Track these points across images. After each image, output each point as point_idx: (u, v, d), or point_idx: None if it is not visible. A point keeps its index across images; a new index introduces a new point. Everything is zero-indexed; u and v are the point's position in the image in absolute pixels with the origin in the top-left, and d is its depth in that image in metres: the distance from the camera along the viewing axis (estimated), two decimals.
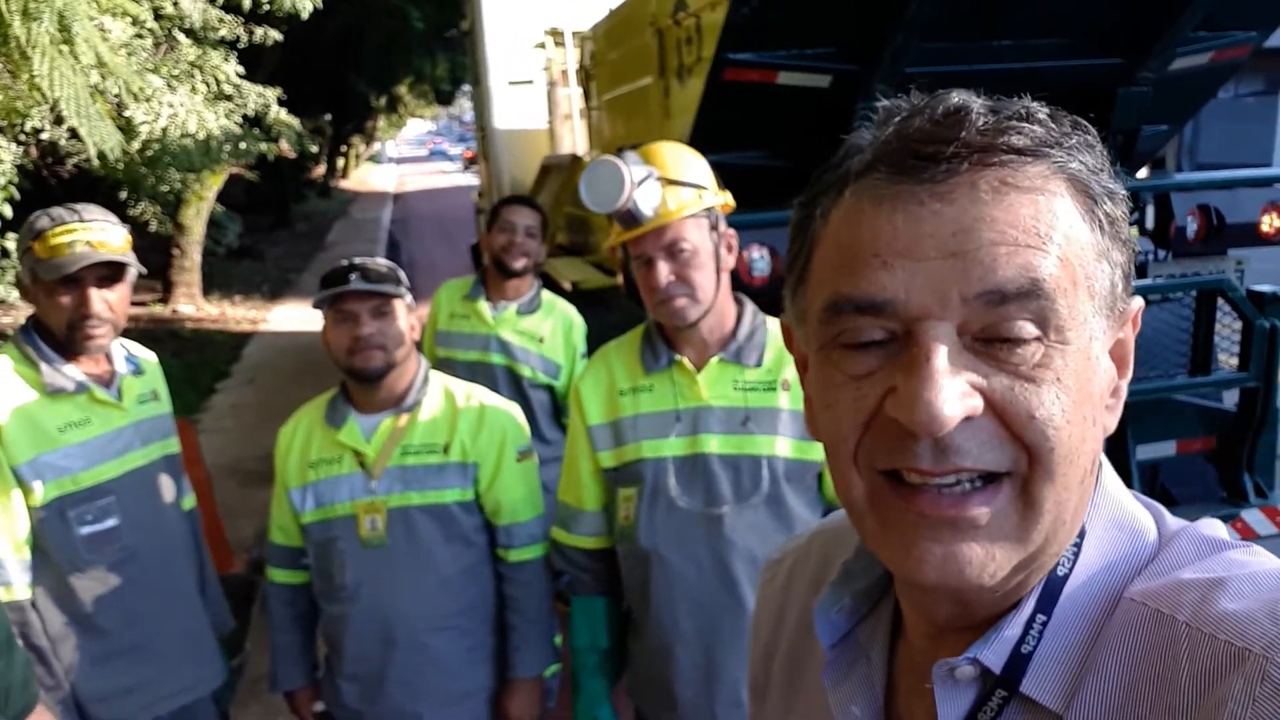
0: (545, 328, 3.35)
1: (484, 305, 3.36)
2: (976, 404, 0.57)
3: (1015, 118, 0.61)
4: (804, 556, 0.88)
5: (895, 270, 0.58)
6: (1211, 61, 3.48)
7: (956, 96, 0.62)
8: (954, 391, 0.56)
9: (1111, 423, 0.64)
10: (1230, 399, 3.70)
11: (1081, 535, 0.64)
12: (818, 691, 0.76)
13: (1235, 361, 3.50)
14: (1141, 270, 3.78)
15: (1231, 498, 3.57)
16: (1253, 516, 3.48)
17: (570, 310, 3.44)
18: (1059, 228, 0.58)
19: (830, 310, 0.62)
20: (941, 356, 0.57)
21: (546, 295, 3.47)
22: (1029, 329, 0.57)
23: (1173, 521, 0.67)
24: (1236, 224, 3.58)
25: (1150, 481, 3.70)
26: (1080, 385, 0.59)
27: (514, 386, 3.28)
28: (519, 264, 3.30)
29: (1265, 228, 3.59)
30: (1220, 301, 3.51)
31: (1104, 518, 0.65)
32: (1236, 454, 3.54)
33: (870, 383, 0.60)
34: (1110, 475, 0.67)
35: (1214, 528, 0.65)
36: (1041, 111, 0.62)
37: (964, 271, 0.57)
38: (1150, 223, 3.88)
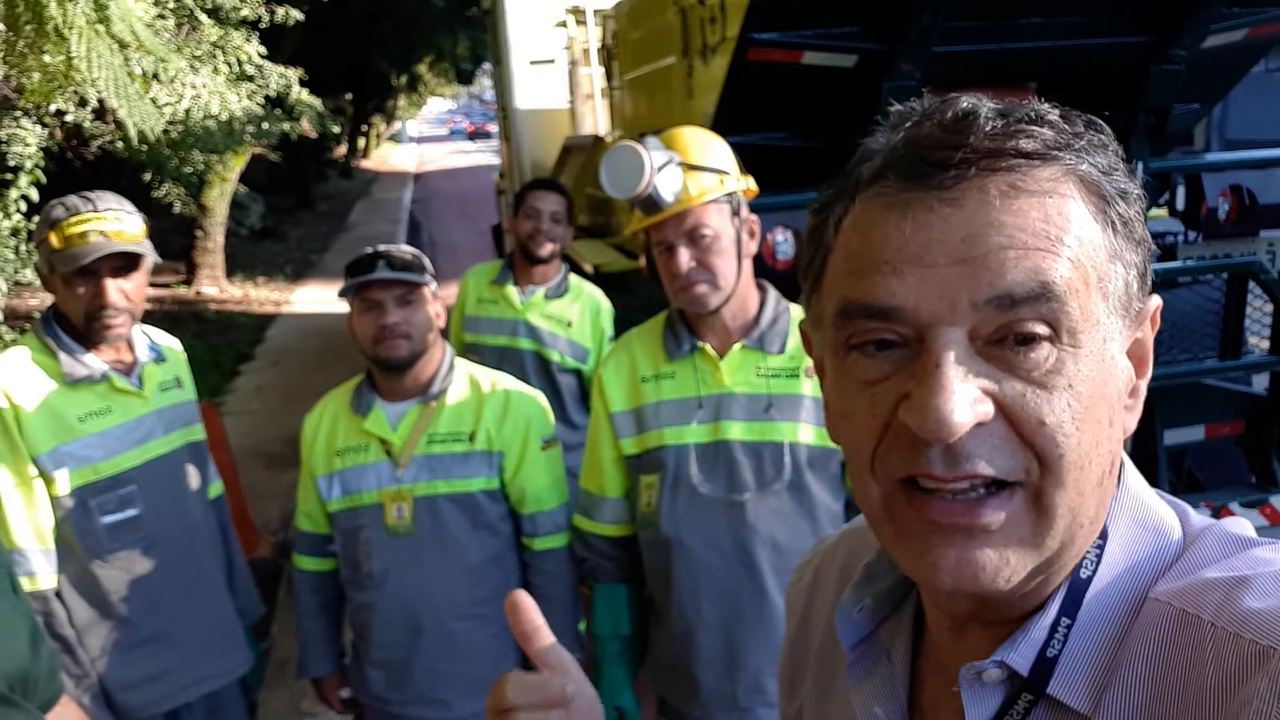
0: (573, 312, 3.35)
1: (512, 290, 3.36)
2: (988, 410, 0.57)
3: (1024, 121, 0.60)
4: (831, 557, 0.88)
5: (905, 277, 0.59)
6: (1246, 38, 3.40)
7: (966, 101, 0.61)
8: (965, 398, 0.56)
9: (1131, 422, 0.64)
10: (1260, 383, 3.65)
11: (1105, 536, 0.63)
12: (844, 692, 0.76)
13: (1266, 345, 3.45)
14: (1171, 252, 3.72)
15: (1260, 483, 3.52)
16: None
17: (598, 294, 3.44)
18: (1070, 230, 0.58)
19: (842, 316, 0.62)
20: (952, 363, 0.57)
21: (574, 279, 3.46)
22: (1041, 330, 0.57)
23: (1197, 519, 0.66)
24: (1269, 204, 3.52)
25: (1178, 467, 3.66)
26: (1094, 389, 0.58)
27: (542, 371, 3.29)
28: (545, 250, 3.30)
29: None
30: (1251, 284, 3.46)
31: (1127, 517, 0.65)
32: (1266, 438, 3.49)
33: (884, 390, 0.60)
34: (1133, 474, 0.67)
35: (1240, 525, 0.65)
36: (1053, 113, 0.62)
37: (973, 277, 0.57)
38: (1181, 204, 3.82)
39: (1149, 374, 0.65)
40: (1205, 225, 3.57)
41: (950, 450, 0.57)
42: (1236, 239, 3.64)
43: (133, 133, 4.16)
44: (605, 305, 3.43)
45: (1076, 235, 0.58)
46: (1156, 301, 0.64)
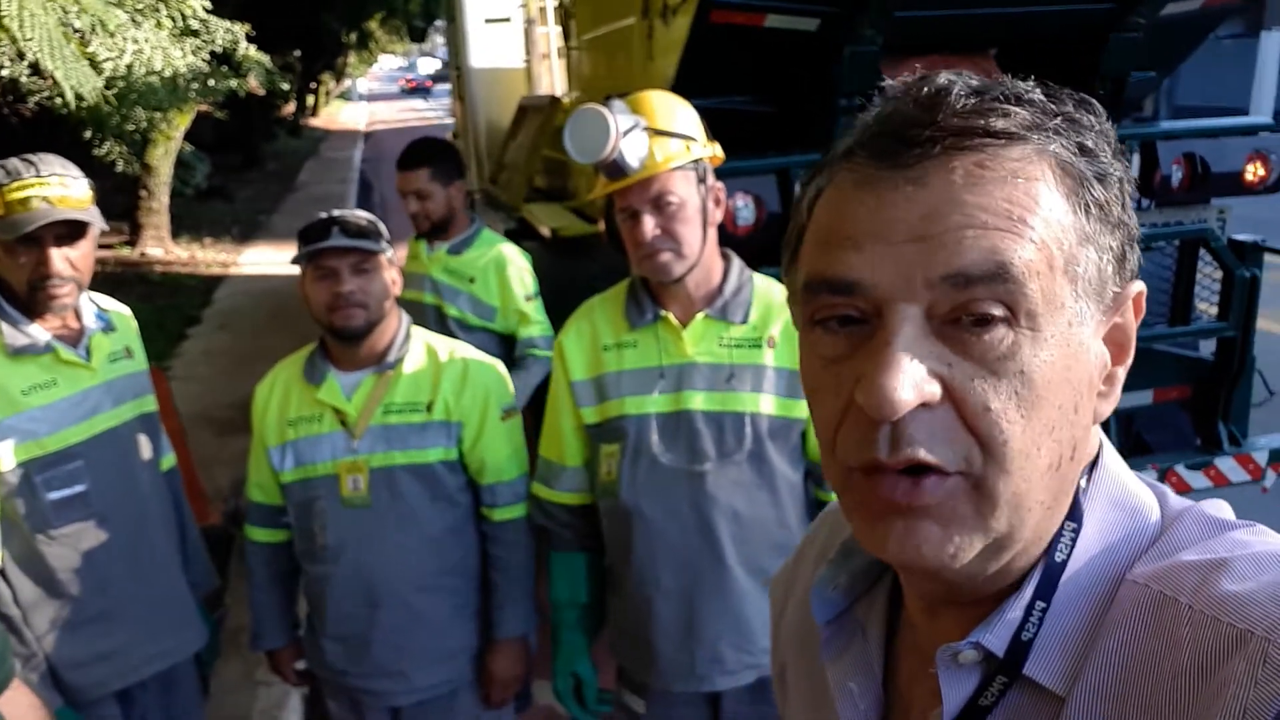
0: (476, 268, 3.32)
1: (422, 245, 3.38)
2: (934, 391, 0.57)
3: (999, 99, 0.60)
4: (812, 539, 0.89)
5: (865, 252, 0.59)
6: (1203, 7, 3.42)
7: (945, 77, 0.61)
8: (910, 377, 0.56)
9: (1105, 409, 0.64)
10: (1206, 348, 3.73)
11: (1080, 519, 0.63)
12: (819, 668, 0.76)
13: (1214, 311, 3.51)
14: None
15: (1206, 446, 3.61)
16: (1226, 464, 3.52)
17: (510, 251, 3.37)
18: (1036, 211, 0.57)
19: (807, 290, 0.63)
20: (902, 340, 0.57)
21: (486, 234, 3.42)
22: (996, 311, 0.57)
23: (1176, 501, 0.66)
24: (1221, 173, 3.56)
25: (1126, 430, 3.73)
26: (1051, 375, 0.58)
27: (441, 328, 3.26)
28: (424, 227, 3.31)
29: (1249, 176, 3.57)
30: (1201, 251, 3.51)
31: (1104, 499, 0.65)
32: (1212, 402, 3.57)
33: (846, 368, 0.60)
34: (1112, 455, 0.67)
35: (1219, 508, 0.65)
36: (1034, 92, 0.61)
37: (929, 254, 0.57)
38: (1135, 171, 3.86)
39: (1129, 360, 0.65)
40: (1159, 193, 3.60)
41: (895, 431, 0.58)
42: (1188, 206, 3.69)
43: (69, 95, 4.00)
44: (518, 262, 3.36)
45: (1043, 217, 0.58)
46: (1139, 286, 0.64)
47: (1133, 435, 3.83)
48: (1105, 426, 3.37)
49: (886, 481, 0.59)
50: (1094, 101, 0.63)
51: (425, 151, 3.34)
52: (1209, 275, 3.63)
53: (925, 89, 0.61)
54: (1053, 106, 0.61)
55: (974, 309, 0.57)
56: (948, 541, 0.59)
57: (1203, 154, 3.57)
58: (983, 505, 0.58)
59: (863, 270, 0.59)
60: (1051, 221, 0.58)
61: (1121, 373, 0.64)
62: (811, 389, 0.64)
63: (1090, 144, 0.60)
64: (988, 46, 3.40)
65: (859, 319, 0.60)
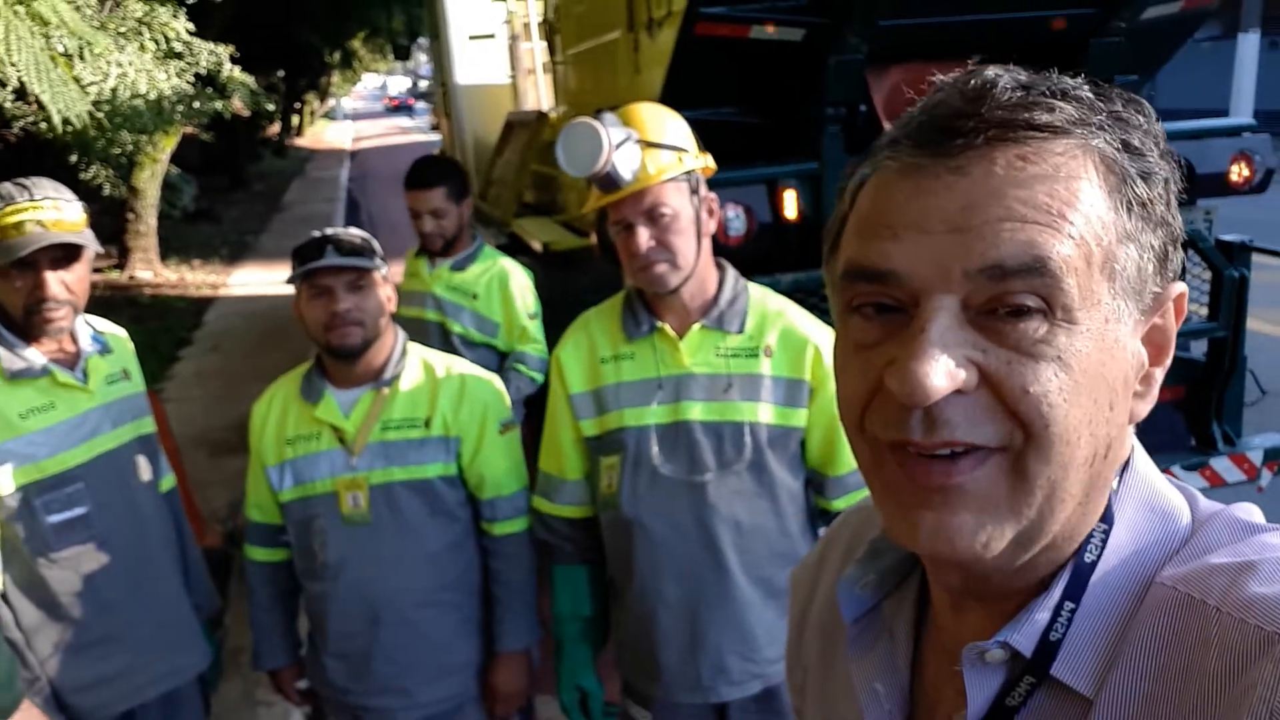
0: (480, 284, 3.33)
1: (424, 262, 3.38)
2: (970, 378, 0.57)
3: (1045, 94, 0.60)
4: (838, 534, 0.88)
5: (903, 241, 0.59)
6: (1183, 10, 3.46)
7: (993, 70, 0.61)
8: (943, 364, 0.57)
9: (1142, 409, 0.63)
10: (1198, 348, 3.75)
11: (1111, 520, 0.63)
12: (844, 666, 0.76)
13: (1204, 311, 3.53)
14: None
15: (1200, 446, 3.62)
16: (1221, 464, 3.54)
17: (511, 267, 3.39)
18: (1076, 206, 0.57)
19: (845, 278, 0.63)
20: (937, 329, 0.57)
21: (488, 251, 3.43)
22: (1032, 302, 0.56)
23: (1206, 505, 0.66)
24: (1206, 174, 3.60)
25: None
26: (1088, 367, 0.58)
27: (445, 345, 3.26)
28: (438, 246, 3.31)
29: (1234, 177, 3.61)
30: (1189, 252, 3.53)
31: (1135, 501, 0.65)
32: (1205, 402, 3.58)
33: (876, 353, 0.61)
34: (1143, 458, 0.67)
35: (1248, 511, 0.65)
36: (1083, 88, 0.61)
37: (967, 246, 0.57)
38: None
39: (1168, 362, 0.64)
40: None
41: (929, 415, 0.58)
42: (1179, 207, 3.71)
43: (56, 119, 4.00)
44: (519, 278, 3.37)
45: (1082, 212, 0.57)
46: (1180, 288, 0.63)
47: None
48: None
49: (920, 466, 0.59)
50: (1143, 101, 0.62)
51: (438, 170, 3.36)
52: (1198, 276, 3.65)
53: (973, 81, 0.61)
54: (1101, 104, 0.60)
55: (1009, 300, 0.57)
56: (980, 530, 0.59)
57: (1187, 156, 3.60)
58: (1018, 488, 0.58)
59: (900, 260, 0.59)
60: (1091, 218, 0.57)
61: (1159, 374, 0.64)
62: (840, 369, 0.64)
63: (1136, 142, 0.60)
64: (970, 54, 3.43)
65: (895, 307, 0.60)
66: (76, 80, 5.74)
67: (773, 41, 3.14)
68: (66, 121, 4.44)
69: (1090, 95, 0.61)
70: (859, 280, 0.61)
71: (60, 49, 4.49)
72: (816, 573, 0.89)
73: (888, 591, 0.76)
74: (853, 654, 0.74)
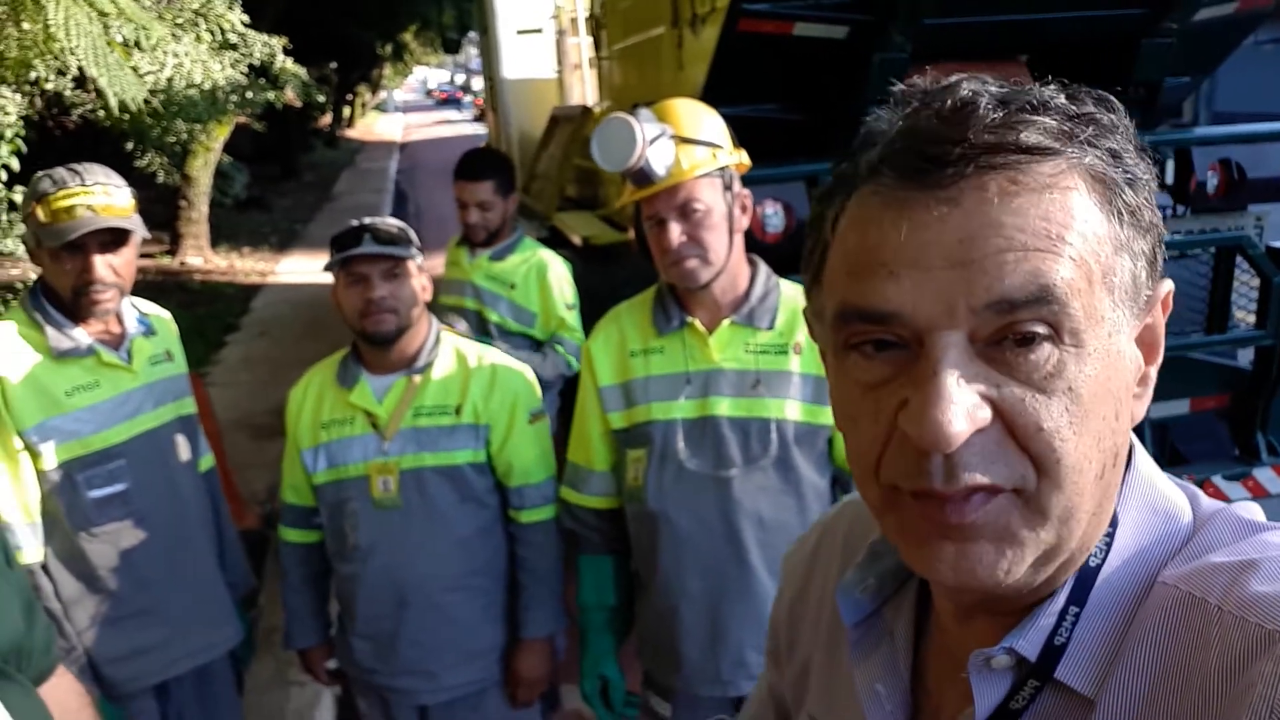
0: (519, 274, 3.36)
1: (464, 251, 3.44)
2: (985, 415, 0.56)
3: (1026, 109, 0.58)
4: (833, 527, 0.88)
5: (902, 280, 0.57)
6: (1237, 11, 3.39)
7: (966, 87, 0.59)
8: (962, 406, 0.56)
9: (1140, 411, 0.63)
10: (1245, 356, 3.67)
11: (1115, 523, 0.63)
12: (848, 669, 0.76)
13: (1252, 319, 3.46)
14: None
15: (1244, 456, 3.55)
16: (1264, 475, 3.46)
17: (550, 258, 3.42)
18: (1073, 226, 0.56)
19: (841, 319, 0.61)
20: (950, 370, 0.56)
21: (527, 242, 3.47)
22: (1040, 329, 0.56)
23: (1207, 503, 0.66)
24: (1258, 178, 3.52)
25: (1161, 440, 3.68)
26: (1097, 388, 0.58)
27: (482, 331, 3.31)
28: (481, 238, 3.36)
29: None
30: (1238, 258, 3.46)
31: (1138, 502, 0.65)
32: (1250, 412, 3.51)
33: (886, 394, 0.59)
34: (1144, 457, 0.67)
35: (1250, 510, 0.65)
36: (1058, 97, 0.60)
37: (970, 281, 0.56)
38: (1170, 177, 3.82)
39: (1160, 359, 0.64)
40: (1194, 199, 3.56)
41: (949, 461, 0.57)
42: (1225, 213, 3.64)
43: (113, 102, 4.10)
44: (557, 269, 3.40)
45: (1079, 231, 0.57)
46: (1168, 285, 0.63)
47: (1169, 445, 3.78)
48: (1139, 435, 3.34)
49: (932, 504, 0.59)
50: (1111, 98, 0.61)
51: (488, 163, 3.41)
52: (1246, 283, 3.58)
53: (949, 101, 0.58)
54: (1073, 108, 0.59)
55: (1018, 330, 0.56)
56: (1001, 559, 0.58)
57: (1239, 160, 3.53)
58: (1034, 519, 0.58)
59: (902, 301, 0.57)
60: (1088, 235, 0.57)
61: (1153, 372, 0.64)
62: (849, 415, 0.63)
63: (1118, 147, 0.59)
64: (1018, 53, 3.40)
65: (896, 343, 0.59)
66: (134, 69, 5.88)
67: (816, 39, 3.13)
68: (123, 109, 4.54)
69: (1064, 102, 0.59)
70: (856, 321, 0.60)
71: (119, 38, 4.60)
72: (811, 562, 0.89)
73: (888, 595, 0.76)
74: (855, 657, 0.74)
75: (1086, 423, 0.57)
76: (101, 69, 3.78)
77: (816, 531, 0.91)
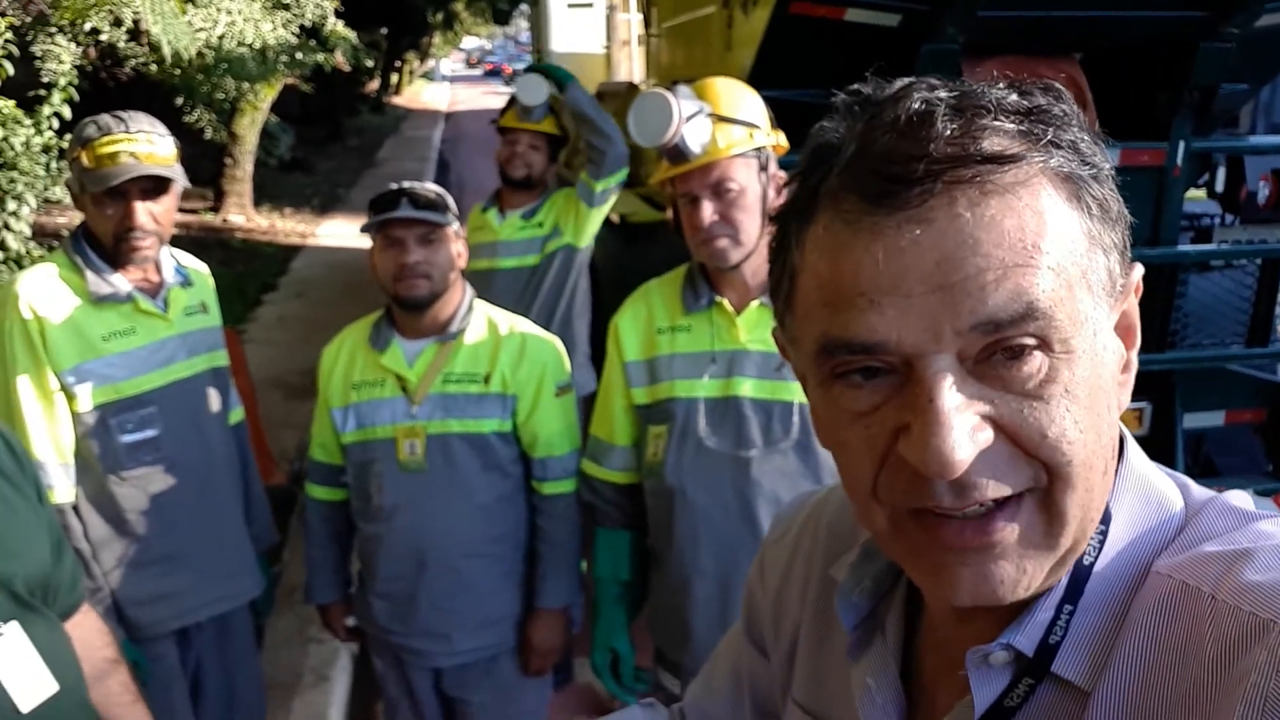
0: (547, 216, 3.47)
1: (493, 214, 3.52)
2: (988, 435, 0.56)
3: (983, 114, 0.57)
4: (816, 514, 0.88)
5: (884, 309, 0.56)
6: None
7: (918, 97, 0.57)
8: (964, 432, 0.55)
9: (1125, 398, 0.63)
10: None
11: (1108, 518, 0.63)
12: (844, 667, 0.77)
13: None
14: (1207, 234, 3.66)
15: (1277, 472, 3.50)
16: None
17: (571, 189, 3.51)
18: (1047, 233, 0.56)
19: (823, 352, 0.60)
20: (946, 395, 0.55)
21: (553, 194, 3.54)
22: (1029, 341, 0.56)
23: (1198, 492, 0.66)
24: None
25: (1195, 451, 3.64)
26: (1090, 388, 0.57)
27: (529, 285, 3.40)
28: (519, 173, 3.45)
29: None
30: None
31: (1131, 493, 0.64)
32: None
33: (878, 420, 0.59)
34: (1133, 448, 0.66)
35: (1241, 499, 0.65)
36: (1009, 95, 0.58)
37: (953, 305, 0.55)
38: (1220, 185, 3.75)
39: (1138, 342, 0.64)
40: (1244, 208, 3.50)
41: (957, 482, 0.56)
42: (1275, 224, 3.57)
43: (166, 51, 4.15)
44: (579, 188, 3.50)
45: (1054, 237, 0.56)
46: (1139, 271, 0.63)
47: (1203, 457, 3.74)
48: (1173, 445, 3.28)
49: (951, 528, 0.58)
50: (1056, 85, 0.60)
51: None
52: None
53: (902, 114, 0.57)
54: (1025, 103, 0.58)
55: (1006, 344, 0.56)
56: (1021, 575, 0.58)
57: None
58: (1054, 524, 0.58)
59: (886, 330, 0.56)
60: (1063, 238, 0.56)
61: (1134, 355, 0.64)
62: (838, 441, 0.62)
63: (1075, 138, 0.58)
64: (1072, 50, 3.34)
65: (883, 369, 0.58)
66: (188, 24, 5.94)
67: (867, 25, 3.09)
68: (176, 62, 4.59)
69: (1016, 99, 0.58)
70: (840, 353, 0.59)
71: None
72: (793, 553, 0.89)
73: (883, 594, 0.76)
74: (853, 658, 0.75)
75: (1088, 420, 0.57)
76: (157, 17, 3.83)
77: (799, 518, 0.90)
